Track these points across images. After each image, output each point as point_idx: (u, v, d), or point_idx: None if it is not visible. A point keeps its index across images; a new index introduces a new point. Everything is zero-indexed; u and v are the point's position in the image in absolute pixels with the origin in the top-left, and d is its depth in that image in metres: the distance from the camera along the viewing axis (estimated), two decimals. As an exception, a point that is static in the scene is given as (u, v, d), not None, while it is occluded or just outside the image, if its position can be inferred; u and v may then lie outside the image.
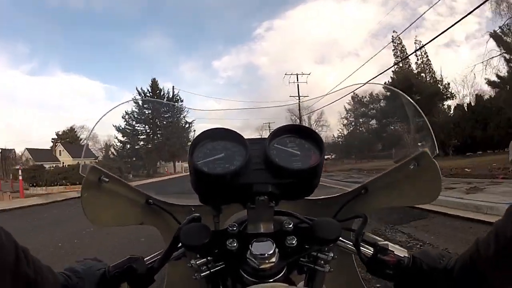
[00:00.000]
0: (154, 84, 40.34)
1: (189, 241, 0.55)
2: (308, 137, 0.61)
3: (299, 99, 30.52)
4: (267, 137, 0.61)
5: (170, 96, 38.18)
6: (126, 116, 37.06)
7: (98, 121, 0.75)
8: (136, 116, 38.33)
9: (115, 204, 0.70)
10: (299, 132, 0.62)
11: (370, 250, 0.60)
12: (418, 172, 0.65)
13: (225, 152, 0.59)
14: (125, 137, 37.92)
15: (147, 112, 36.55)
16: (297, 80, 32.39)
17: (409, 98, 0.72)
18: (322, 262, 0.58)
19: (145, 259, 0.60)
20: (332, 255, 0.58)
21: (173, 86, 43.09)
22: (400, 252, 0.59)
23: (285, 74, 32.97)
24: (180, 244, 0.58)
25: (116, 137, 38.68)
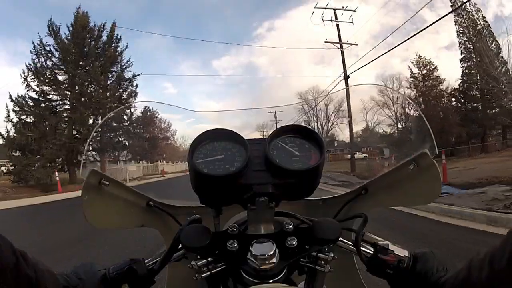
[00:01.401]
0: (80, 20, 21.36)
1: (190, 242, 0.55)
2: (308, 138, 0.61)
3: (341, 45, 20.01)
4: (267, 137, 0.61)
5: (105, 36, 22.11)
6: (29, 76, 20.06)
7: (100, 124, 0.76)
8: (46, 75, 20.17)
9: (116, 207, 0.70)
10: (299, 132, 0.62)
11: (371, 250, 0.60)
12: (418, 172, 0.65)
13: (226, 153, 0.59)
14: (20, 113, 19.86)
15: (63, 68, 20.67)
16: (335, 18, 20.79)
17: (409, 99, 0.73)
18: (322, 262, 0.58)
19: (145, 260, 0.60)
20: (333, 255, 0.58)
21: (114, 23, 22.74)
22: (401, 252, 0.59)
23: (315, 8, 21.03)
24: (180, 246, 0.58)
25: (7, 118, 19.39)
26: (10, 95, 20.32)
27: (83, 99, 21.39)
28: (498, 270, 0.40)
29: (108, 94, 22.54)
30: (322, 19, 20.98)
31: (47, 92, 21.53)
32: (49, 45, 21.19)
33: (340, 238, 0.59)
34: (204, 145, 0.60)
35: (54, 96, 21.82)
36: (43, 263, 0.46)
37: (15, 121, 20.31)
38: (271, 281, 0.54)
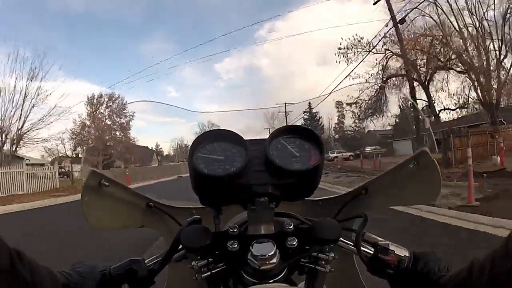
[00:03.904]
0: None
1: (190, 243, 0.55)
2: (308, 138, 0.61)
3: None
4: (267, 138, 0.61)
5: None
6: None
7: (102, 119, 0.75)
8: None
9: (116, 208, 0.70)
10: (299, 132, 0.62)
11: (371, 250, 0.60)
12: (418, 171, 0.65)
13: (225, 153, 0.59)
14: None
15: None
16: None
17: (411, 99, 0.73)
18: (322, 262, 0.58)
19: (146, 261, 0.60)
20: (333, 255, 0.58)
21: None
22: (401, 251, 0.59)
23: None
24: (181, 246, 0.58)
25: None
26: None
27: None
28: (499, 273, 0.40)
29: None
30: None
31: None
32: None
33: (341, 238, 0.59)
34: (204, 146, 0.60)
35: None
36: (40, 264, 0.44)
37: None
38: (271, 281, 0.54)
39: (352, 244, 0.63)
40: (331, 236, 0.56)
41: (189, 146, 0.60)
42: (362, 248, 0.60)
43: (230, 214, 0.75)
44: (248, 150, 0.58)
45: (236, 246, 0.56)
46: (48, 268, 0.46)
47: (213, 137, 0.61)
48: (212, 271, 0.58)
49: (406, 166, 0.66)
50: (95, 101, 31.89)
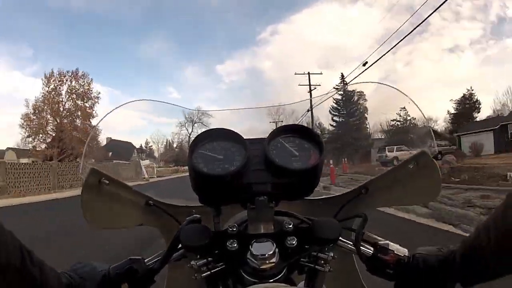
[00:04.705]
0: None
1: (190, 242, 0.55)
2: (308, 137, 0.61)
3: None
4: (266, 137, 0.61)
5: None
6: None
7: (100, 120, 0.74)
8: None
9: (115, 206, 0.69)
10: (299, 132, 0.62)
11: (370, 250, 0.60)
12: (418, 171, 0.65)
13: (225, 152, 0.59)
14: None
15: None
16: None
17: (412, 100, 0.72)
18: (322, 262, 0.58)
19: (145, 260, 0.60)
20: (332, 255, 0.58)
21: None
22: (401, 251, 0.59)
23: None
24: (180, 245, 0.58)
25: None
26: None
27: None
28: (504, 227, 0.42)
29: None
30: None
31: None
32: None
33: (340, 238, 0.59)
34: (204, 145, 0.60)
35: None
36: (47, 264, 0.45)
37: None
38: (271, 280, 0.54)
39: (351, 243, 0.63)
40: (331, 236, 0.56)
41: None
42: (361, 247, 0.60)
43: (229, 213, 0.75)
44: (247, 149, 0.58)
45: (235, 245, 0.56)
46: (54, 269, 0.47)
47: (212, 136, 0.61)
48: (212, 271, 0.58)
49: (406, 166, 0.66)
50: (55, 79, 24.04)
